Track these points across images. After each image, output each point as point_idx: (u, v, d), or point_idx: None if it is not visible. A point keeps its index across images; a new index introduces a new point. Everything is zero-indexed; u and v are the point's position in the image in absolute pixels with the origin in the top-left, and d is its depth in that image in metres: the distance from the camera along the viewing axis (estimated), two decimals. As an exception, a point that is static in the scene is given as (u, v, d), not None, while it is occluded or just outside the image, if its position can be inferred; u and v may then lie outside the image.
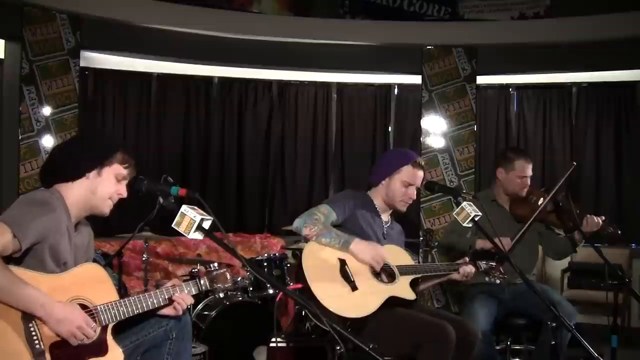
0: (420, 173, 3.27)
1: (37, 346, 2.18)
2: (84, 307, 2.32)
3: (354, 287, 2.94)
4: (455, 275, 3.21)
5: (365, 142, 7.21)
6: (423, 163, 3.32)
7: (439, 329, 2.83)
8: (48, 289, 2.22)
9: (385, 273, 3.09)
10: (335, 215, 3.12)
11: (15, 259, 2.24)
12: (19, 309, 2.16)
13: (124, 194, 2.51)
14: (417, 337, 2.85)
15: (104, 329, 2.35)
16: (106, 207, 2.50)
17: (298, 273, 2.97)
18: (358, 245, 3.01)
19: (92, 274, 2.41)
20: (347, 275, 2.96)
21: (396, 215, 3.45)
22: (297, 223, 3.07)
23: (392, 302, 2.97)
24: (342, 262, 2.99)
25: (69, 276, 2.34)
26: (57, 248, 2.33)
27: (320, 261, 2.97)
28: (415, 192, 3.28)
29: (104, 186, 2.46)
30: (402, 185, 3.22)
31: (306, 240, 3.09)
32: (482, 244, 3.62)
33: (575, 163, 3.92)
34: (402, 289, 3.05)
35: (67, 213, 2.39)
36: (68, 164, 2.44)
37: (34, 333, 2.19)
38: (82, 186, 2.44)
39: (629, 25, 5.98)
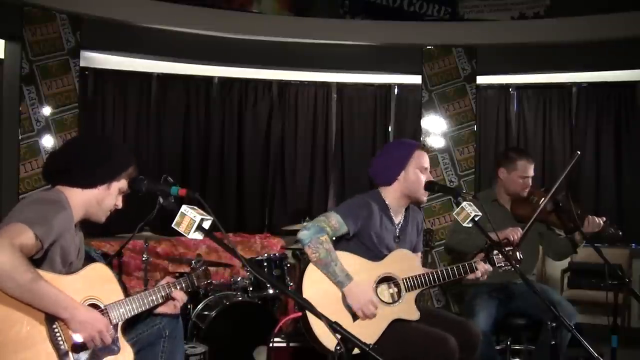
0: (427, 155, 3.21)
1: (62, 347, 2.21)
2: (95, 306, 2.35)
3: (355, 316, 2.92)
4: (470, 275, 3.09)
5: (365, 142, 7.21)
6: (427, 146, 3.26)
7: (442, 343, 2.80)
8: (63, 290, 2.23)
9: (392, 286, 3.04)
10: (347, 228, 3.02)
11: (34, 260, 2.23)
12: (43, 310, 2.18)
13: (120, 206, 2.55)
14: (420, 351, 2.83)
15: (115, 327, 2.39)
16: (104, 217, 2.53)
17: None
18: (351, 290, 2.91)
19: (100, 273, 2.45)
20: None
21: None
22: (302, 235, 2.96)
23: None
24: None
25: (80, 276, 2.37)
26: (67, 248, 2.35)
27: (321, 289, 2.93)
28: (430, 176, 3.18)
29: (110, 199, 2.49)
30: (419, 172, 3.12)
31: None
32: (494, 236, 3.57)
33: (579, 152, 3.89)
34: (406, 308, 3.00)
35: (72, 214, 2.40)
36: (83, 172, 2.43)
37: (58, 334, 2.21)
38: (89, 194, 2.45)
39: (629, 25, 5.99)
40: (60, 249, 2.31)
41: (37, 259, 2.26)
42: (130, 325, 2.55)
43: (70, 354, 2.23)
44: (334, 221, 3.01)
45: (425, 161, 3.17)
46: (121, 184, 2.50)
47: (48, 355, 2.18)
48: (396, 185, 3.15)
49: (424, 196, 3.17)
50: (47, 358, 2.18)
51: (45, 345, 2.18)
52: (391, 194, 3.17)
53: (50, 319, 2.20)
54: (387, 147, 3.30)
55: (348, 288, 2.91)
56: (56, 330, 2.21)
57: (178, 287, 2.61)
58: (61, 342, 2.21)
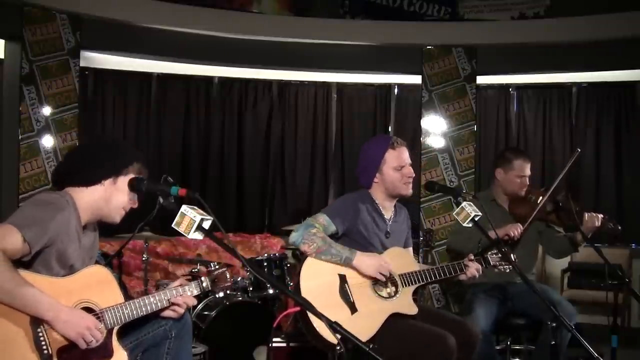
0: (404, 149, 3.20)
1: (45, 351, 2.18)
2: (90, 310, 2.31)
3: (353, 309, 2.92)
4: (462, 277, 3.12)
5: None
6: (400, 140, 3.22)
7: (440, 340, 2.81)
8: (54, 293, 2.21)
9: (389, 285, 3.05)
10: (335, 228, 3.06)
11: (23, 262, 2.22)
12: (25, 312, 2.15)
13: (136, 205, 2.51)
14: (418, 348, 2.83)
15: (109, 332, 2.34)
16: (118, 216, 2.50)
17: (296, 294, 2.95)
18: (360, 260, 2.96)
19: (97, 276, 2.40)
20: (347, 295, 2.93)
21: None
22: (293, 238, 3.00)
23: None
24: (342, 279, 2.97)
25: (75, 279, 2.33)
26: (65, 252, 2.32)
27: (318, 282, 2.95)
28: (411, 169, 3.19)
29: (118, 196, 2.46)
30: (394, 171, 3.14)
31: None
32: (493, 234, 3.58)
33: (579, 149, 3.90)
34: (404, 303, 3.02)
35: (77, 216, 2.37)
36: (85, 169, 2.42)
37: (42, 337, 2.18)
38: (95, 193, 2.43)
39: (628, 25, 5.98)
40: (56, 252, 2.28)
41: (33, 262, 2.24)
42: (133, 326, 2.52)
43: (54, 358, 2.19)
44: (321, 219, 3.05)
45: (400, 159, 3.16)
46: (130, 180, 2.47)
47: (30, 358, 2.15)
48: (376, 186, 3.20)
49: (405, 190, 3.17)
50: None
51: (28, 348, 2.16)
52: (376, 193, 3.22)
53: (36, 322, 2.17)
54: (363, 147, 3.30)
55: (357, 259, 2.95)
56: (40, 333, 2.18)
57: (188, 292, 2.58)
58: (44, 346, 2.18)
